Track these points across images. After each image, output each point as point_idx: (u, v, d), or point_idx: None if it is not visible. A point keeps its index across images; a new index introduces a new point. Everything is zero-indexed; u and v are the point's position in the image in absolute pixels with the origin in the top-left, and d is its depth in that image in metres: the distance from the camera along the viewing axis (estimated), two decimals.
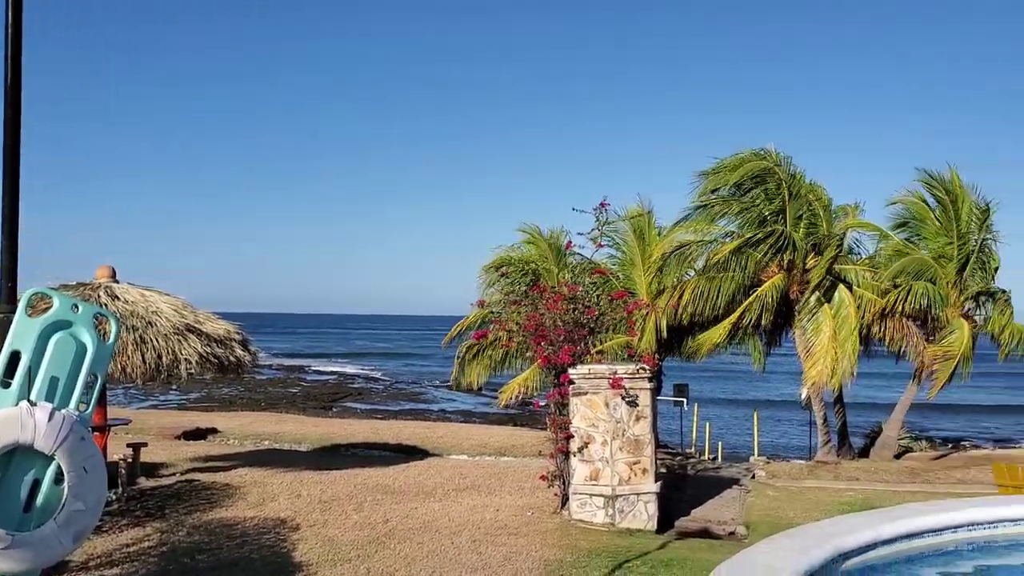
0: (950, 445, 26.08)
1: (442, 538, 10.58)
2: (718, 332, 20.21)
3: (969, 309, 21.58)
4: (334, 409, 41.00)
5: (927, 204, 22.43)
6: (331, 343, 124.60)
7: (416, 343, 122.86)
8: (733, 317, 20.07)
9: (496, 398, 24.60)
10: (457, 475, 15.56)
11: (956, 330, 20.51)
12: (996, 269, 21.70)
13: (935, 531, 10.49)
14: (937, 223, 22.03)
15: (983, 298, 21.56)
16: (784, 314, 21.02)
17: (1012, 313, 21.27)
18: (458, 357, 21.97)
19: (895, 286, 20.69)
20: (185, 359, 12.55)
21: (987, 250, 21.61)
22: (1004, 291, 21.45)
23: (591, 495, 12.09)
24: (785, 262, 20.41)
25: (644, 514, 12.05)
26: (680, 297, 20.24)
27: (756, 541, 9.57)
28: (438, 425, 26.83)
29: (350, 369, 74.22)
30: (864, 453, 22.45)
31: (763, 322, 20.65)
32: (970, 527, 10.82)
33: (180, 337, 12.66)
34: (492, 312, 16.11)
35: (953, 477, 18.64)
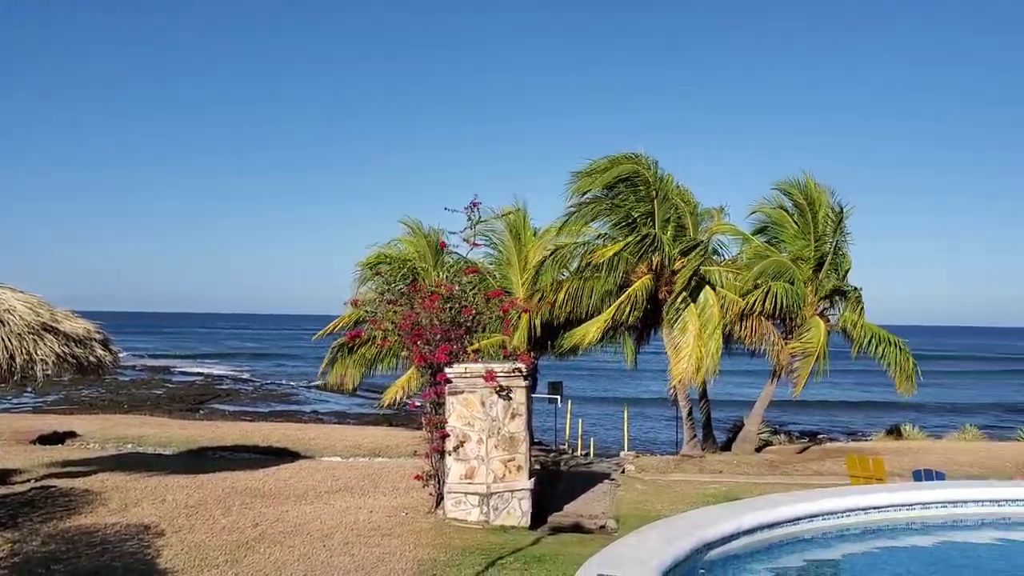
0: (807, 439, 27.40)
1: (314, 541, 10.40)
2: (592, 329, 20.61)
3: (824, 309, 22.70)
4: (201, 411, 39.68)
5: (786, 209, 23.49)
6: (198, 343, 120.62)
7: (287, 343, 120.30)
8: (606, 315, 20.50)
9: (372, 399, 24.34)
10: (330, 477, 15.33)
11: (812, 328, 21.55)
12: (848, 270, 22.92)
13: (793, 520, 11.02)
14: (795, 226, 23.09)
15: (836, 297, 22.72)
16: (653, 313, 21.62)
17: (863, 310, 22.49)
18: (330, 356, 21.61)
19: (756, 287, 21.56)
20: (41, 359, 11.91)
21: (841, 251, 22.79)
22: (856, 289, 22.67)
23: (466, 493, 12.13)
24: (654, 263, 20.99)
25: (518, 511, 12.18)
26: (555, 297, 20.55)
27: (625, 534, 9.83)
28: (310, 427, 26.34)
29: (218, 370, 71.95)
30: (727, 447, 23.35)
31: (631, 320, 21.19)
32: (825, 516, 11.43)
33: (35, 337, 12.00)
34: (367, 311, 15.91)
35: (810, 469, 19.60)
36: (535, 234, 22.18)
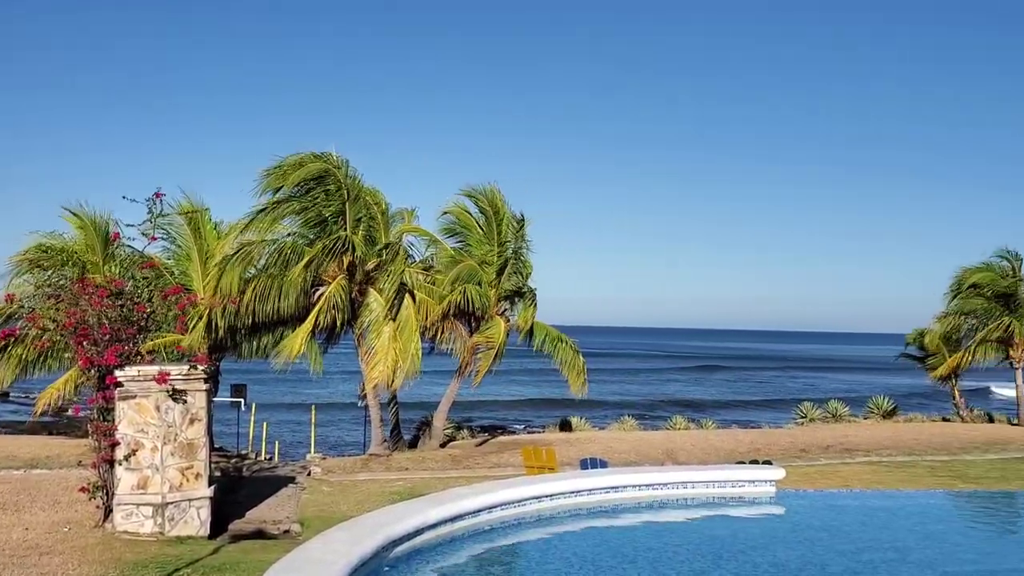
0: (488, 433, 28.64)
1: None
2: (297, 341, 20.11)
3: (505, 309, 23.92)
4: None
5: (472, 215, 24.47)
6: None
7: None
8: (308, 324, 20.14)
9: (28, 404, 21.92)
10: None
11: (494, 326, 22.65)
12: (528, 274, 24.33)
13: (474, 512, 11.50)
14: (481, 231, 24.12)
15: (516, 298, 24.05)
16: (343, 315, 21.52)
17: (535, 306, 23.94)
18: None
19: (452, 290, 22.26)
20: None
21: (521, 257, 24.14)
22: (531, 289, 24.13)
23: (138, 505, 11.32)
24: (346, 264, 20.92)
25: (196, 520, 11.57)
26: (242, 296, 19.79)
27: (311, 537, 9.71)
28: None
29: None
30: (414, 444, 23.83)
31: (338, 324, 20.99)
32: (503, 506, 12.04)
33: None
34: (23, 307, 14.35)
35: (490, 461, 20.53)
36: (216, 228, 21.26)
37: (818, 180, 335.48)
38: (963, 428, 31.87)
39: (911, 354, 39.46)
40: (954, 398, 36.46)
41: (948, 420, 35.35)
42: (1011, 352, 34.08)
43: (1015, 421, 34.52)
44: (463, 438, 25.98)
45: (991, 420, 35.78)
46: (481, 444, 24.23)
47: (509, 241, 23.83)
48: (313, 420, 25.16)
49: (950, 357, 35.31)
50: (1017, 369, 34.34)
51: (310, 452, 22.07)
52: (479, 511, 11.51)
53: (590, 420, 32.34)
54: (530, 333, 23.99)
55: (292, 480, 16.78)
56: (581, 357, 24.26)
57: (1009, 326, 33.28)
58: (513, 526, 11.85)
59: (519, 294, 23.90)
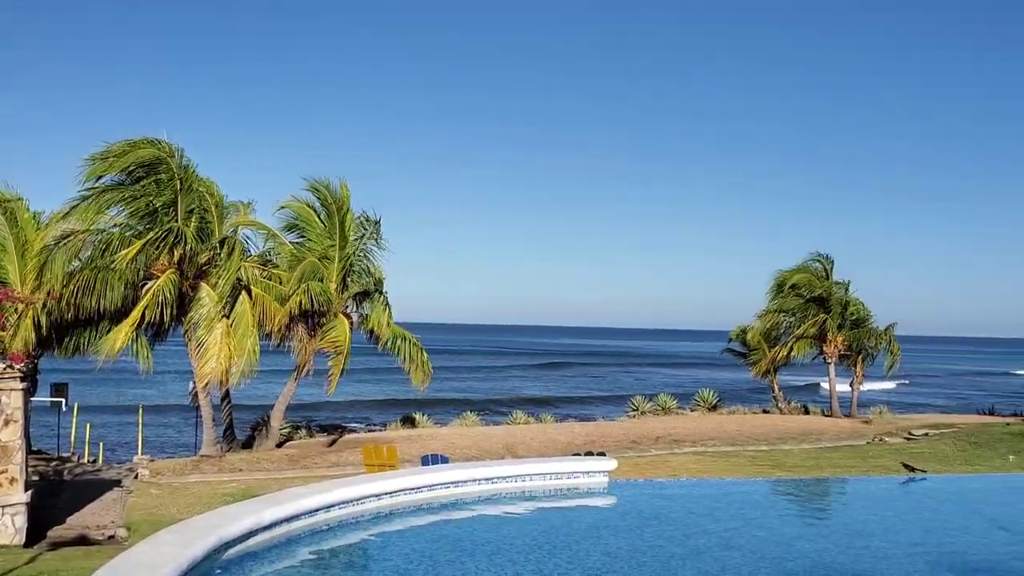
0: (328, 432, 28.22)
1: None
2: (121, 335, 19.11)
3: (349, 308, 23.65)
4: None
5: (314, 209, 24.03)
6: None
7: None
8: (134, 317, 19.17)
9: None
10: None
11: (337, 326, 22.30)
12: (379, 276, 24.17)
13: (311, 512, 11.34)
14: (322, 225, 23.72)
15: (363, 297, 23.83)
16: (177, 309, 20.68)
17: (390, 311, 23.79)
18: None
19: (298, 289, 21.76)
20: None
21: (369, 256, 23.97)
22: (382, 292, 23.97)
23: None
24: (176, 257, 20.09)
25: (11, 528, 10.89)
26: (64, 289, 18.66)
27: (137, 542, 9.32)
28: None
29: None
30: (249, 445, 23.18)
31: (166, 319, 20.09)
32: (342, 505, 11.93)
33: None
34: None
35: (329, 460, 20.28)
36: (36, 218, 19.95)
37: (658, 179, 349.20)
38: (781, 420, 33.98)
39: (734, 349, 41.74)
40: (773, 391, 38.83)
41: (768, 412, 37.59)
42: (825, 348, 36.63)
43: (828, 413, 37.09)
44: (301, 438, 25.50)
45: (807, 412, 38.30)
46: (320, 443, 23.87)
47: (354, 238, 23.58)
48: (140, 420, 24.06)
49: (770, 353, 37.61)
50: (830, 364, 36.93)
51: (138, 454, 21.08)
52: (316, 511, 11.35)
53: (433, 417, 32.42)
54: (374, 333, 23.81)
55: (118, 483, 16.03)
56: (424, 354, 24.30)
57: (823, 324, 35.81)
58: (352, 525, 11.76)
59: (367, 294, 23.70)
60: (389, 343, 23.78)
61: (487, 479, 13.97)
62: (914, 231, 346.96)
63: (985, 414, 40.46)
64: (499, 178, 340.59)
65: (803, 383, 61.98)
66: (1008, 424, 32.07)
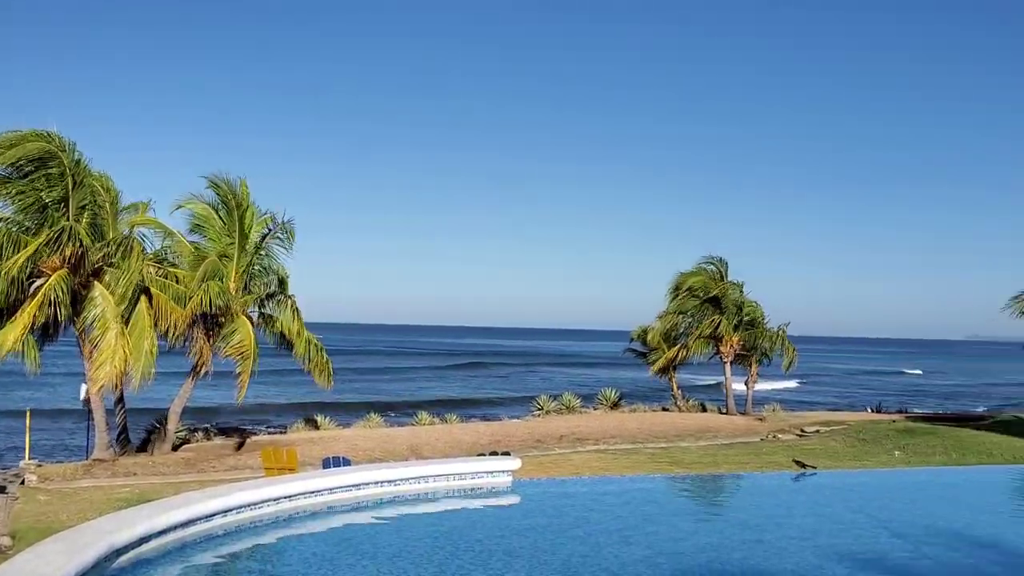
0: (227, 436, 27.60)
1: None
2: (10, 338, 18.24)
3: (252, 309, 23.17)
4: None
5: (214, 206, 23.46)
6: None
7: None
8: (26, 319, 18.35)
9: None
10: None
11: (240, 328, 21.79)
12: (284, 276, 23.73)
13: (208, 517, 11.09)
14: (221, 223, 23.18)
15: (267, 299, 23.39)
16: (65, 311, 19.90)
17: (299, 315, 23.36)
18: None
19: (199, 290, 21.18)
20: None
21: (272, 255, 23.54)
22: (288, 295, 23.53)
23: None
24: (67, 255, 19.32)
25: None
26: None
27: (23, 550, 8.96)
28: None
29: None
30: (144, 448, 22.46)
31: (60, 319, 19.28)
32: (239, 509, 11.70)
33: None
34: None
35: (227, 464, 19.84)
36: None
37: (568, 180, 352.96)
38: (680, 418, 34.78)
39: (636, 349, 42.55)
40: (672, 390, 39.74)
41: (667, 410, 38.42)
42: (720, 347, 37.68)
43: (724, 411, 38.14)
44: (199, 441, 24.86)
45: (704, 410, 39.28)
46: (219, 446, 23.31)
47: (257, 237, 23.15)
48: (28, 424, 23.05)
49: (669, 352, 38.49)
50: (726, 363, 38.00)
51: (25, 459, 20.21)
52: (213, 515, 11.12)
53: (337, 419, 32.05)
54: (282, 335, 23.41)
55: (2, 490, 15.36)
56: (325, 354, 23.99)
57: (718, 324, 36.85)
58: (250, 529, 11.55)
59: (271, 296, 23.28)
60: (298, 345, 23.40)
61: (390, 481, 13.91)
62: (809, 234, 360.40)
63: (873, 412, 42.25)
64: (411, 175, 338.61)
65: (712, 382, 63.56)
66: (894, 421, 33.58)
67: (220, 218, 23.23)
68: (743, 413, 37.02)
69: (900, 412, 41.13)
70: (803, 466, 20.33)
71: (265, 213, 23.59)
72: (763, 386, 56.60)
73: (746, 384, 38.87)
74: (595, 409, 38.12)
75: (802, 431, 30.36)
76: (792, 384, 76.97)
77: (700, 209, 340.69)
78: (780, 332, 38.22)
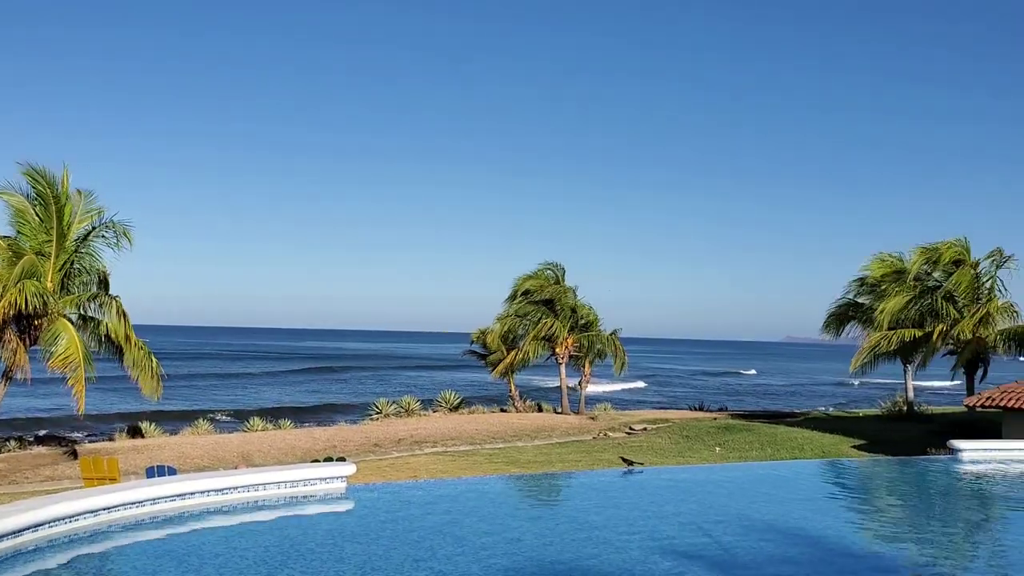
0: (43, 445, 25.99)
1: None
2: None
3: (70, 312, 21.94)
4: None
5: (31, 199, 22.09)
6: None
7: None
8: None
9: None
10: None
11: (62, 332, 20.59)
12: (104, 278, 22.54)
13: (17, 532, 10.43)
14: (37, 219, 21.85)
15: (91, 301, 22.20)
16: None
17: (125, 318, 22.25)
18: None
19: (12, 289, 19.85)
20: None
21: (95, 254, 22.38)
22: (114, 297, 22.38)
23: None
24: None
25: None
26: None
27: None
28: None
29: None
30: None
31: None
32: (53, 523, 11.06)
33: None
34: None
35: (43, 475, 18.72)
36: None
37: (409, 179, 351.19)
38: (517, 418, 35.45)
39: (476, 351, 43.02)
40: (511, 391, 40.41)
41: (505, 411, 39.07)
42: (557, 349, 38.67)
43: (559, 410, 39.12)
44: (12, 451, 23.32)
45: (540, 410, 40.20)
46: (34, 456, 21.94)
47: (78, 234, 21.95)
48: None
49: (508, 354, 39.14)
50: (561, 364, 39.00)
51: None
52: (23, 530, 10.45)
53: (163, 426, 30.77)
54: (108, 339, 22.28)
55: None
56: (155, 359, 23.01)
57: (552, 327, 37.83)
58: (65, 544, 10.94)
59: (93, 297, 22.11)
60: (127, 348, 22.35)
61: (217, 490, 13.49)
62: (650, 241, 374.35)
63: (696, 410, 44.42)
64: (254, 173, 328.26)
65: (553, 384, 64.86)
66: (715, 419, 35.45)
67: (37, 213, 21.91)
68: (576, 413, 38.09)
69: (721, 410, 43.44)
70: (630, 463, 21.16)
71: (92, 208, 22.42)
72: (611, 387, 58.36)
73: (579, 385, 40.08)
74: (435, 412, 38.26)
75: (631, 429, 31.58)
76: (640, 384, 79.85)
77: (539, 209, 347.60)
78: (612, 335, 39.63)
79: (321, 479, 14.76)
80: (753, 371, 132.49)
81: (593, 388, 41.43)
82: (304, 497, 14.36)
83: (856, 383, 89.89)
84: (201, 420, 32.14)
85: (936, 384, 75.99)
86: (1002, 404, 25.01)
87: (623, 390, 69.36)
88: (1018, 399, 24.59)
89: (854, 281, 38.96)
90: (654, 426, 32.37)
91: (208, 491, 13.33)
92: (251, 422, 32.42)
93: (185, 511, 12.85)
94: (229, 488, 13.59)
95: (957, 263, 33.12)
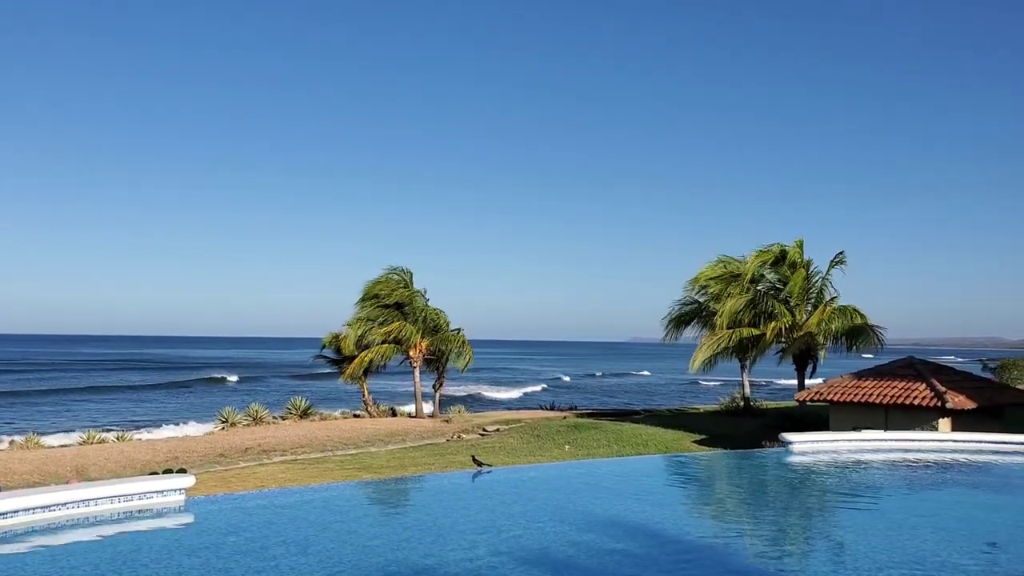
0: None
1: None
2: None
3: None
4: None
5: None
6: None
7: None
8: None
9: None
10: None
11: None
12: None
13: None
14: None
15: None
16: None
17: None
18: None
19: None
20: None
21: None
22: None
23: None
24: None
25: None
26: None
27: None
28: None
29: None
30: None
31: None
32: None
33: None
34: None
35: None
36: None
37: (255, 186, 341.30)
38: (371, 423, 35.15)
39: (327, 356, 42.37)
40: (364, 395, 40.02)
41: (359, 416, 38.67)
42: (410, 353, 38.60)
43: (414, 414, 39.05)
44: None
45: (394, 414, 40.01)
46: None
47: None
48: None
49: (359, 358, 38.76)
50: (415, 368, 38.92)
51: None
52: None
53: None
54: None
55: None
56: None
57: (402, 329, 37.82)
58: None
59: None
60: None
61: (44, 507, 12.77)
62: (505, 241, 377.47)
63: (548, 409, 45.28)
64: (104, 174, 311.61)
65: (410, 388, 64.36)
66: (565, 418, 36.22)
67: None
68: (431, 416, 38.11)
69: (571, 409, 44.43)
70: (480, 464, 21.37)
71: None
72: (509, 394, 58.29)
73: (433, 388, 40.15)
74: (284, 419, 37.41)
75: (484, 430, 31.87)
76: (485, 387, 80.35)
77: (386, 213, 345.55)
78: (460, 335, 39.95)
79: (158, 492, 14.20)
80: (599, 372, 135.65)
81: (495, 394, 41.71)
82: (139, 512, 13.78)
83: (700, 381, 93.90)
84: (31, 433, 30.28)
85: (781, 382, 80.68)
86: (828, 398, 26.74)
87: (467, 394, 69.73)
88: (842, 392, 26.34)
89: (690, 282, 40.59)
90: (507, 427, 32.76)
91: (34, 508, 12.61)
92: (87, 434, 30.81)
93: (8, 530, 12.11)
94: (58, 504, 12.89)
95: (792, 265, 35.13)
